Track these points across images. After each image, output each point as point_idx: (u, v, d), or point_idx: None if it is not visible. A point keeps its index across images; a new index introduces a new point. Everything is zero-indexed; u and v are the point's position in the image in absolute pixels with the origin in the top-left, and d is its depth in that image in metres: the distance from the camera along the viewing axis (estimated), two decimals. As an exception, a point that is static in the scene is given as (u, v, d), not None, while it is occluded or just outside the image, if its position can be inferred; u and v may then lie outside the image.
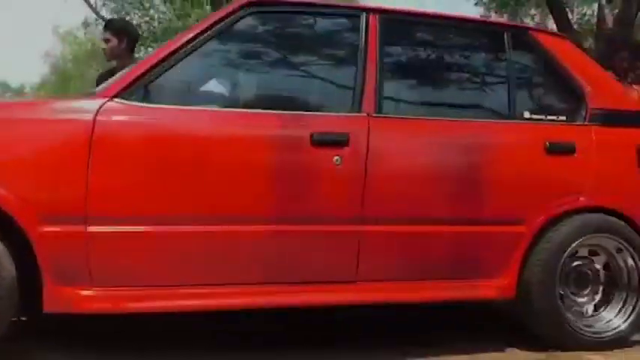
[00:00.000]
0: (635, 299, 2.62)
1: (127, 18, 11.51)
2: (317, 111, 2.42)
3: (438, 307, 2.82)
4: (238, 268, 2.23)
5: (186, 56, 2.24)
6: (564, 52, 2.83)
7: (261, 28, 2.51)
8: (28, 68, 56.28)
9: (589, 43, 8.78)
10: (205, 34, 2.28)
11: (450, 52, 2.81)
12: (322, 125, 2.32)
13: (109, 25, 4.03)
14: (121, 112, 2.13)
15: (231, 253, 2.21)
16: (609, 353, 2.51)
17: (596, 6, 8.68)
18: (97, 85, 3.00)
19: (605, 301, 2.64)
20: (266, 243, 2.24)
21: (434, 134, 2.52)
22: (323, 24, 2.64)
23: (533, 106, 2.70)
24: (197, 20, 12.01)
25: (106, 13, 13.63)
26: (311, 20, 2.63)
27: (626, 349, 2.59)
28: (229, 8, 2.39)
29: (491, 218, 2.48)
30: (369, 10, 2.57)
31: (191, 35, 2.28)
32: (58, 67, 28.24)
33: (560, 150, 2.58)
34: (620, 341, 2.58)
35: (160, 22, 13.28)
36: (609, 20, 7.37)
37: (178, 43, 2.25)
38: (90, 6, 14.17)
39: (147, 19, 13.56)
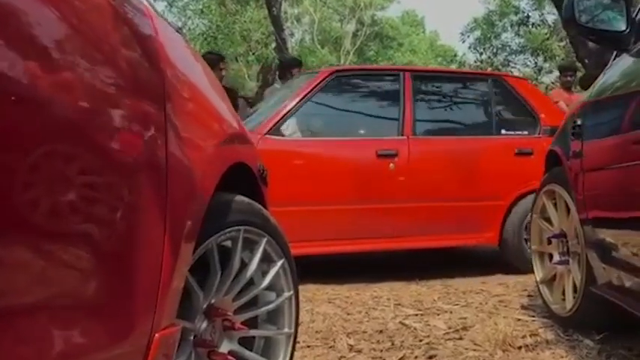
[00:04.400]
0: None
1: (189, 22, 13.20)
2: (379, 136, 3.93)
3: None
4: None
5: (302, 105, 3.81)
6: (526, 90, 4.28)
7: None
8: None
9: None
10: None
11: (455, 93, 4.36)
12: (383, 145, 3.83)
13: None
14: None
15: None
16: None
17: None
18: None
19: None
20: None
21: (449, 147, 4.01)
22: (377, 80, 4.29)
23: (507, 127, 4.14)
24: (251, 18, 13.32)
25: (172, 18, 15.28)
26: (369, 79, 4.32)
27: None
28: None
29: (483, 196, 3.91)
30: (404, 70, 4.23)
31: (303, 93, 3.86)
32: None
33: (523, 154, 3.99)
34: None
35: (217, 26, 14.76)
36: None
37: (297, 98, 3.81)
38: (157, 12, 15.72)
39: (205, 21, 15.09)
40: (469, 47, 15.98)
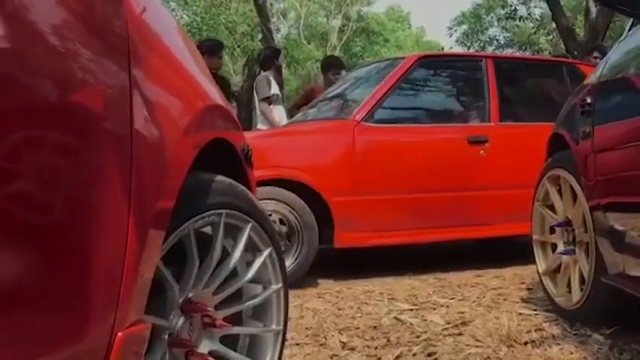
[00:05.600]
0: None
1: (173, 13, 12.89)
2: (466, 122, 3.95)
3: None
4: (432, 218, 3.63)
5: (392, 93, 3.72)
6: None
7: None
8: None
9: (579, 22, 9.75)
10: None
11: (533, 80, 4.37)
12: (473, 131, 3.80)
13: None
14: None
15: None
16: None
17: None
18: None
19: None
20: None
21: (533, 132, 3.71)
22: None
23: None
24: (236, 10, 13.02)
25: None
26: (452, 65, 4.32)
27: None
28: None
29: None
30: (486, 57, 4.17)
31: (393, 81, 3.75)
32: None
33: None
34: None
35: (202, 18, 14.51)
36: (593, 11, 8.33)
37: (388, 85, 3.71)
38: None
39: (190, 13, 14.83)
40: (456, 41, 15.89)
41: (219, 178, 1.30)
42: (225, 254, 1.34)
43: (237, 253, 1.33)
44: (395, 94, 3.76)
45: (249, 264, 1.41)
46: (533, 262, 2.72)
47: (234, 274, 1.38)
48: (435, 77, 4.20)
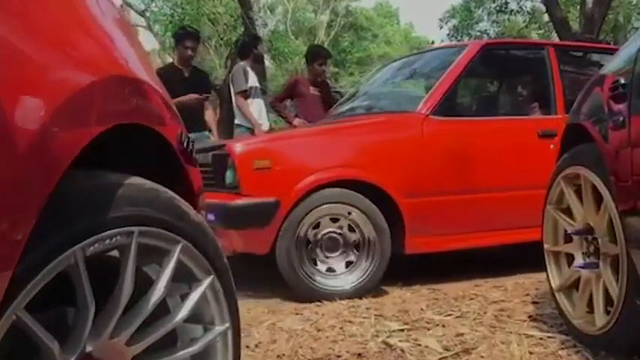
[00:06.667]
0: None
1: (152, 4, 12.52)
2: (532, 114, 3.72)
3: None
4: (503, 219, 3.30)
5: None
6: None
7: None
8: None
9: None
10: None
11: (594, 68, 3.84)
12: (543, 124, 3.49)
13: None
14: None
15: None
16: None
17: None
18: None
19: None
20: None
21: None
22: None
23: None
24: (220, 1, 12.47)
25: (134, 1, 14.54)
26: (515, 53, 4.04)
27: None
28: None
29: None
30: (548, 45, 3.90)
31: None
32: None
33: None
34: None
35: (183, 9, 14.05)
36: (589, 1, 8.03)
37: (453, 75, 3.39)
38: None
39: (170, 4, 14.37)
40: (448, 34, 15.58)
41: (133, 180, 0.92)
42: (149, 286, 0.96)
43: (160, 285, 0.96)
44: (460, 84, 3.51)
45: (183, 298, 1.03)
46: (536, 269, 2.37)
47: (162, 312, 1.00)
48: (499, 66, 3.97)
